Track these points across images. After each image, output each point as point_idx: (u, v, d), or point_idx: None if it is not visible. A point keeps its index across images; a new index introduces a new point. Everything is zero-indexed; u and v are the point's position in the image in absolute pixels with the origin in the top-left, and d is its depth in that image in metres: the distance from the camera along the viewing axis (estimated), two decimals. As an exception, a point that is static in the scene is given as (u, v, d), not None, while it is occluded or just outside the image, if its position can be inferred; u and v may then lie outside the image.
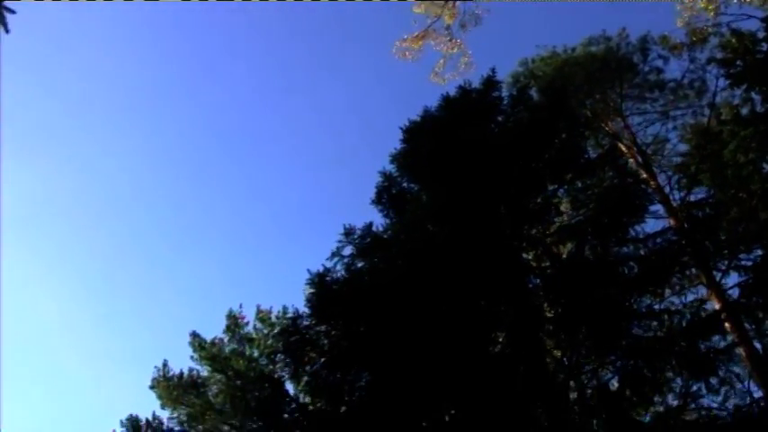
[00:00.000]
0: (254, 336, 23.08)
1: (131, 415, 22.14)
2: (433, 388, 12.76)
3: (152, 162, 58.49)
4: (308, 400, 15.40)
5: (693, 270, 17.92)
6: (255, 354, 22.78)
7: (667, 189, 21.64)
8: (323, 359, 13.71)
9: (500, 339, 13.93)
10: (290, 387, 18.58)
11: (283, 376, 19.72)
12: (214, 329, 26.80)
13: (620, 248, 13.82)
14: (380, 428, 12.89)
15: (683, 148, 23.30)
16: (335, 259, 14.62)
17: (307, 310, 14.01)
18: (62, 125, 55.47)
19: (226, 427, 22.42)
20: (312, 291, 13.74)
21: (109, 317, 56.09)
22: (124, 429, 22.05)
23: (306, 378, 14.38)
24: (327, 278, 13.92)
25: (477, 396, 12.66)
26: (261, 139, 57.09)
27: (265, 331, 23.03)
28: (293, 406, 15.04)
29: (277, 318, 22.88)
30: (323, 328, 13.86)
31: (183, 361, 25.13)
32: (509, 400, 12.79)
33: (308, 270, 13.99)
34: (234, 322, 23.16)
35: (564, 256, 14.30)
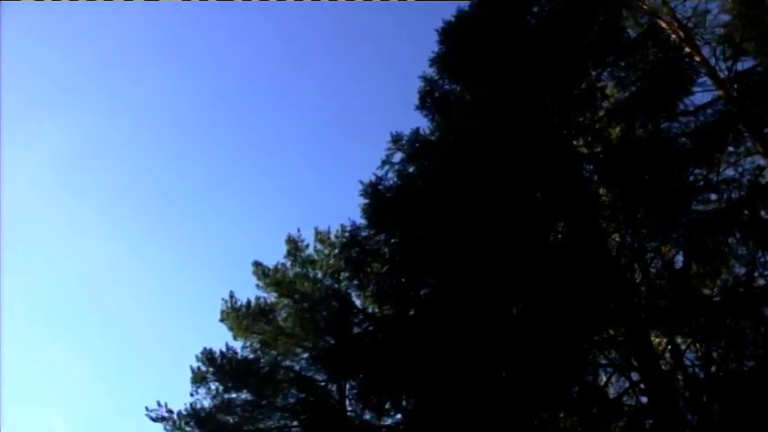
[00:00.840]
0: (315, 257, 23.64)
1: (205, 348, 23.03)
2: (498, 284, 12.96)
3: (202, 87, 58.44)
4: (375, 309, 15.81)
5: (748, 139, 17.53)
6: (319, 275, 23.37)
7: (713, 61, 20.94)
8: (385, 267, 13.95)
9: (559, 229, 13.99)
10: (356, 302, 19.16)
11: (349, 291, 20.31)
12: (275, 257, 27.42)
13: (671, 124, 13.58)
14: (449, 328, 13.20)
15: (725, 18, 22.47)
16: (386, 167, 14.71)
17: (364, 222, 14.22)
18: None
19: (299, 350, 23.17)
20: (366, 201, 13.93)
21: (173, 256, 57.75)
22: (200, 363, 22.98)
23: (371, 288, 14.69)
24: (380, 187, 14.07)
25: (542, 288, 12.83)
26: (300, 59, 56.55)
27: (326, 252, 23.56)
28: (361, 317, 15.47)
29: (336, 237, 23.35)
30: (382, 237, 14.09)
31: (249, 291, 25.86)
32: (575, 288, 12.95)
33: (360, 181, 14.17)
34: (294, 246, 23.70)
35: (614, 139, 14.15)
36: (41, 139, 50.20)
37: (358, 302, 18.72)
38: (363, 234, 14.28)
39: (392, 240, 14.08)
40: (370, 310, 16.02)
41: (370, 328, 14.97)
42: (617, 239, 13.71)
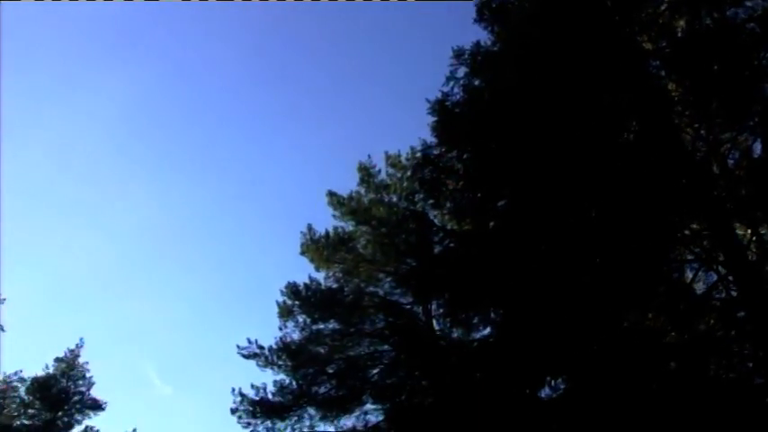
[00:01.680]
0: (388, 182, 24.83)
1: (289, 282, 24.81)
2: (574, 188, 13.78)
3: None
4: (454, 227, 16.96)
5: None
6: (394, 199, 24.60)
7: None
8: (460, 184, 14.94)
9: (631, 128, 14.60)
10: (434, 222, 20.37)
11: (425, 211, 21.54)
12: (348, 186, 28.76)
13: (737, 10, 13.81)
14: (530, 237, 14.21)
15: None
16: (451, 83, 15.35)
17: (434, 140, 15.19)
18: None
19: (381, 275, 24.64)
20: (435, 119, 14.85)
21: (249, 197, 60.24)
22: (285, 297, 24.80)
23: (448, 206, 15.77)
24: (447, 103, 14.89)
25: (619, 188, 13.61)
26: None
27: (398, 175, 24.71)
28: (441, 235, 16.66)
29: (407, 159, 24.42)
30: (454, 153, 15.03)
31: (326, 222, 27.30)
32: (652, 185, 13.63)
33: (427, 99, 15.04)
34: (366, 173, 24.94)
35: (679, 32, 14.54)
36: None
37: (436, 222, 19.86)
38: (435, 152, 15.25)
39: (464, 156, 15.00)
40: (449, 228, 17.06)
41: (451, 245, 16.11)
42: (691, 134, 14.28)
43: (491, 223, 14.84)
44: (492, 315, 16.73)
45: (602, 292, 14.16)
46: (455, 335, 22.40)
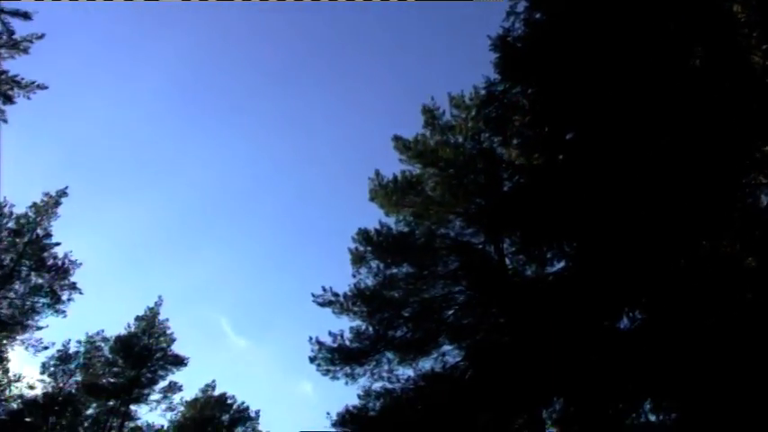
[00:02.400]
0: (453, 123, 25.36)
1: (360, 228, 25.67)
2: (642, 114, 14.10)
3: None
4: (522, 163, 17.38)
5: None
6: (460, 139, 25.13)
7: None
8: (527, 118, 15.40)
9: (697, 54, 14.73)
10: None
11: (493, 149, 21.99)
12: (414, 129, 29.31)
13: None
14: (598, 167, 14.60)
15: None
16: (512, 18, 15.73)
17: (497, 77, 15.62)
18: None
19: (451, 216, 25.28)
20: (497, 55, 15.27)
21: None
22: (357, 244, 25.67)
23: (515, 142, 16.24)
24: (509, 38, 15.29)
25: (688, 113, 13.85)
26: None
27: (463, 116, 25.20)
28: (511, 171, 17.13)
29: (470, 99, 24.89)
30: (518, 89, 15.47)
31: (393, 167, 27.91)
32: (722, 109, 13.82)
33: (489, 36, 15.46)
34: (431, 115, 25.48)
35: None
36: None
37: (504, 159, 20.30)
38: (499, 89, 15.72)
39: (529, 91, 15.43)
40: (517, 164, 17.49)
41: (521, 181, 16.57)
42: (759, 56, 14.34)
43: (560, 156, 15.19)
44: (566, 248, 17.11)
45: (677, 221, 14.40)
46: (528, 272, 22.96)
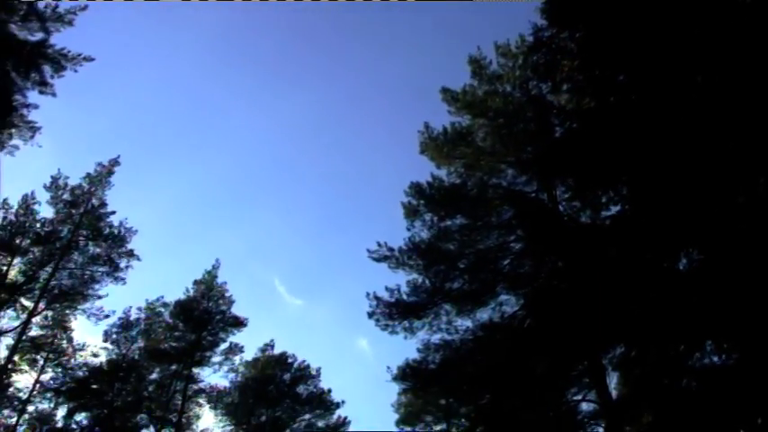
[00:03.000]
0: (500, 72, 25.45)
1: (412, 182, 26.07)
2: (693, 54, 14.13)
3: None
4: (572, 107, 17.53)
5: None
6: (508, 88, 25.24)
7: None
8: (576, 63, 15.51)
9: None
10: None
11: (542, 96, 22.09)
12: (461, 80, 29.41)
13: None
14: (651, 108, 14.69)
15: None
16: (558, -38, 15.80)
17: (544, 23, 15.71)
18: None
19: (503, 166, 25.51)
20: (545, 0, 15.34)
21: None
22: (410, 198, 26.09)
23: (565, 87, 16.36)
24: (556, -17, 15.35)
25: (739, 51, 13.81)
26: None
27: (510, 64, 25.28)
28: (562, 117, 17.27)
29: (517, 47, 24.93)
30: (566, 33, 15.55)
31: (442, 119, 28.10)
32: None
33: (535, -18, 15.56)
34: (477, 66, 25.62)
35: None
36: None
37: (554, 105, 20.41)
38: (546, 35, 15.81)
39: (578, 35, 15.50)
40: (568, 109, 17.62)
41: (573, 125, 16.72)
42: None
43: (612, 99, 15.30)
44: (621, 191, 17.24)
45: (733, 158, 14.45)
46: (583, 218, 23.10)
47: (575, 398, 23.39)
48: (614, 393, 21.96)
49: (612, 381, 22.10)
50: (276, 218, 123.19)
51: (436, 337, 25.80)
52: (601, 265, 19.72)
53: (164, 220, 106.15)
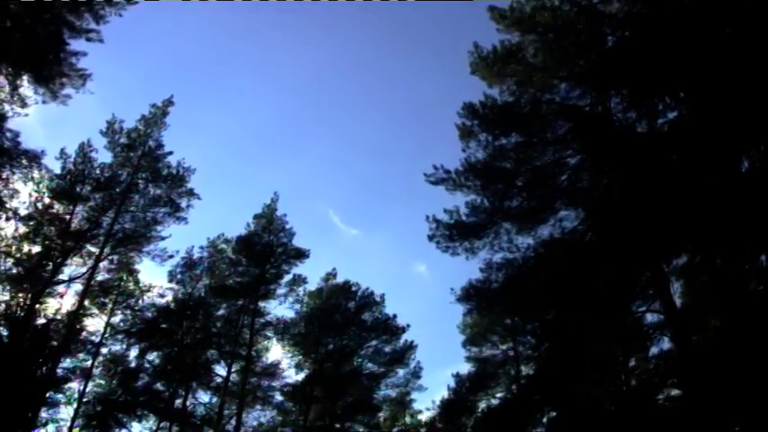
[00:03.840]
0: (548, -17, 25.16)
1: (465, 102, 26.28)
2: None
3: None
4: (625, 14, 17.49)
5: None
6: (556, 2, 24.96)
7: None
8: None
9: None
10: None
11: (593, 5, 21.96)
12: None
13: None
14: (704, 16, 14.67)
15: None
16: None
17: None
18: None
19: (555, 81, 25.46)
20: None
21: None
22: (463, 119, 26.31)
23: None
24: None
25: None
26: None
27: (557, -24, 24.92)
28: (613, 25, 17.26)
29: (564, -42, 24.57)
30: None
31: (491, 38, 28.01)
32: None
33: None
34: (523, -19, 25.35)
35: None
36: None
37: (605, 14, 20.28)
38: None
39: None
40: (621, 17, 17.57)
41: (626, 33, 16.72)
42: None
43: (664, 3, 15.27)
44: (679, 96, 17.27)
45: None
46: (639, 128, 23.10)
47: (639, 309, 23.79)
48: (679, 303, 22.29)
49: (676, 290, 22.44)
50: (325, 150, 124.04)
51: (498, 257, 26.35)
52: (661, 173, 19.85)
53: (218, 158, 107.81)
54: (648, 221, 20.65)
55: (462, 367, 59.05)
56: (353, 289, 46.68)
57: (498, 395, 42.77)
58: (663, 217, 20.20)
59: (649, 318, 23.86)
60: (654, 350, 27.12)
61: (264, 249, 42.82)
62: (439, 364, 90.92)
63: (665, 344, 24.67)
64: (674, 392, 22.65)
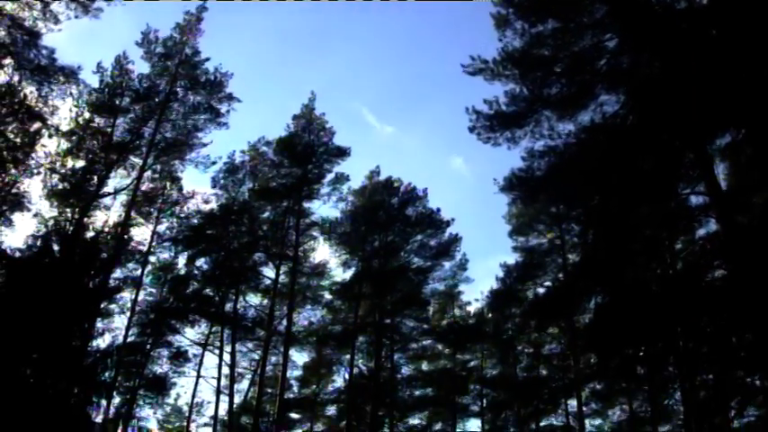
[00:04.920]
0: None
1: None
2: None
3: None
4: None
5: None
6: None
7: None
8: None
9: None
10: None
11: None
12: None
13: None
14: None
15: None
16: None
17: None
18: None
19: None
20: None
21: None
22: (498, 8, 26.16)
23: None
24: None
25: None
26: None
27: None
28: None
29: None
30: None
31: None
32: None
33: None
34: None
35: None
36: None
37: None
38: None
39: None
40: None
41: None
42: None
43: None
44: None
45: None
46: (678, 6, 22.82)
47: (684, 191, 24.04)
48: (723, 185, 22.50)
49: (720, 173, 22.59)
50: (356, 48, 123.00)
51: (539, 144, 26.57)
52: (701, 50, 19.79)
53: (253, 61, 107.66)
54: (690, 101, 20.71)
55: (508, 257, 60.11)
56: (396, 185, 47.03)
57: (546, 284, 43.63)
58: (705, 95, 20.24)
59: (694, 200, 24.16)
60: (700, 232, 27.60)
61: (305, 149, 43.19)
62: (482, 255, 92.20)
63: (711, 226, 25.09)
64: (721, 274, 23.04)
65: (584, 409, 41.52)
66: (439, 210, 46.19)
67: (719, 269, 22.96)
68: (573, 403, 43.46)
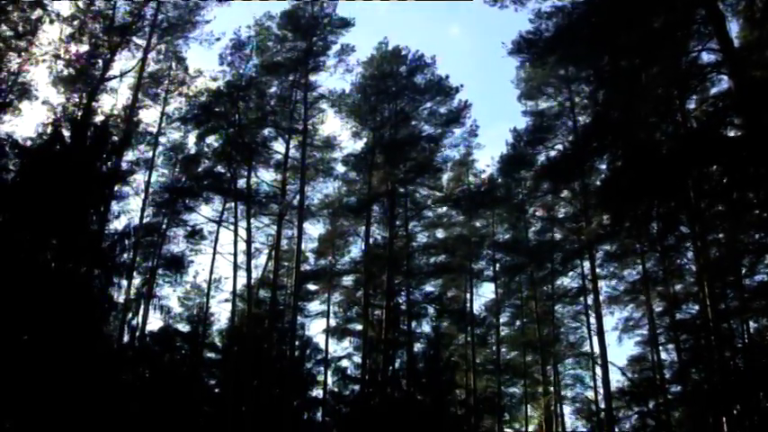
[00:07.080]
0: None
1: None
2: None
3: None
4: None
5: None
6: None
7: None
8: None
9: None
10: None
11: None
12: None
13: None
14: None
15: None
16: None
17: None
18: None
19: None
20: None
21: None
22: None
23: None
24: None
25: None
26: None
27: None
28: None
29: None
30: None
31: None
32: None
33: None
34: None
35: None
36: None
37: None
38: None
39: None
40: None
41: None
42: None
43: None
44: None
45: None
46: None
47: (695, 48, 23.76)
48: (736, 43, 22.20)
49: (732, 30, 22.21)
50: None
51: (547, 5, 26.25)
52: None
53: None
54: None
55: (518, 122, 59.57)
56: (404, 53, 46.46)
57: (557, 146, 43.66)
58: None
59: (706, 57, 23.89)
60: (713, 91, 27.44)
61: (309, 21, 42.81)
62: (486, 124, 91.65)
63: (724, 84, 24.90)
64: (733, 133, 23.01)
65: (598, 270, 42.20)
66: (447, 76, 45.74)
67: (732, 126, 22.94)
68: (587, 265, 44.16)
